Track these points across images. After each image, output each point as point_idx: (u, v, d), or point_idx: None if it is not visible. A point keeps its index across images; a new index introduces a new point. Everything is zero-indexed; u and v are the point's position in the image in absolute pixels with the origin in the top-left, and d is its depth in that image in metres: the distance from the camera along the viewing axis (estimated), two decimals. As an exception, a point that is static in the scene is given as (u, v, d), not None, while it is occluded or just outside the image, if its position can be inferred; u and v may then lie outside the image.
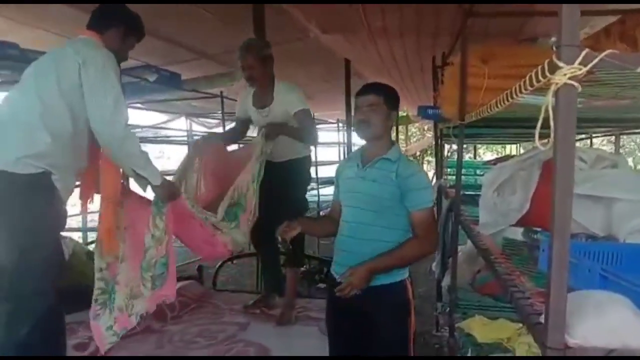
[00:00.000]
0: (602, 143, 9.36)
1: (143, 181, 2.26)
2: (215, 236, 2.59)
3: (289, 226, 2.03)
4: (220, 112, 7.11)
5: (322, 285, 5.25)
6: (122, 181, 2.42)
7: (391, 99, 1.99)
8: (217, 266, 4.44)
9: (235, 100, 5.68)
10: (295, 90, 3.07)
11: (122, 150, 2.15)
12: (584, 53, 0.75)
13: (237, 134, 3.40)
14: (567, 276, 0.83)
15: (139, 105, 7.16)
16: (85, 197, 2.43)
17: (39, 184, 2.01)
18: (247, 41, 3.03)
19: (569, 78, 0.76)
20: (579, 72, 0.75)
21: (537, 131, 0.87)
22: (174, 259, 2.42)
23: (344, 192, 2.06)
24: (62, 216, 2.21)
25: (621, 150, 5.51)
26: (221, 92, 6.43)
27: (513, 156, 3.37)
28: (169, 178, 2.54)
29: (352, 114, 2.09)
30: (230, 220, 2.65)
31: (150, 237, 2.29)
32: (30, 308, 2.00)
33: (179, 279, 3.73)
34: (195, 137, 9.61)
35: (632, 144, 15.41)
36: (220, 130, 8.20)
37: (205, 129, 10.29)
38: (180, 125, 9.73)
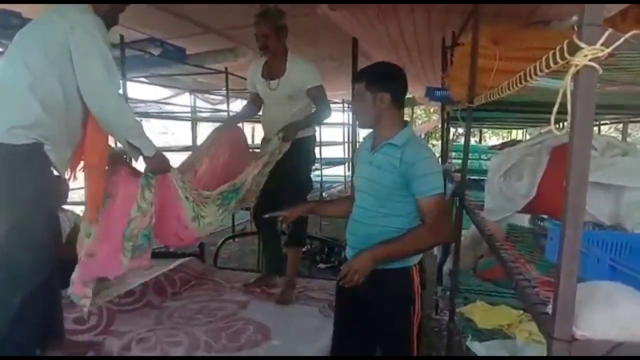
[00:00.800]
0: (609, 130, 9.27)
1: (136, 152, 2.20)
2: (188, 229, 2.51)
3: (289, 215, 2.12)
4: (224, 88, 7.05)
5: (322, 266, 5.26)
6: (116, 151, 2.38)
7: (376, 80, 1.85)
8: (218, 244, 4.44)
9: (240, 77, 5.61)
10: (310, 64, 3.03)
11: (115, 119, 2.08)
12: (607, 33, 0.71)
13: (252, 109, 3.34)
14: (577, 266, 0.81)
15: (142, 79, 7.10)
16: (73, 167, 2.33)
17: (31, 155, 1.96)
18: (263, 9, 2.97)
19: (590, 60, 0.72)
20: (601, 54, 0.71)
21: (553, 116, 0.83)
22: (177, 223, 2.42)
23: (355, 176, 2.03)
24: (59, 189, 2.17)
25: (628, 139, 5.45)
26: (226, 68, 6.36)
27: (520, 141, 3.32)
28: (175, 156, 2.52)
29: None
30: (221, 205, 2.61)
31: (137, 208, 2.26)
32: (22, 280, 1.98)
33: (180, 256, 3.76)
34: (201, 114, 9.60)
35: (639, 132, 15.25)
36: (224, 106, 8.14)
37: (209, 105, 10.24)
38: (184, 101, 9.67)
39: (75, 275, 2.26)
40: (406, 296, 1.90)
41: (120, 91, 2.12)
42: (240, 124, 3.70)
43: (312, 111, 3.10)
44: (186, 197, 2.44)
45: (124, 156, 2.49)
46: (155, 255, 2.96)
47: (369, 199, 1.89)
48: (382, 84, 1.84)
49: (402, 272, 1.88)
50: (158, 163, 2.27)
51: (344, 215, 2.09)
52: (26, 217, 1.98)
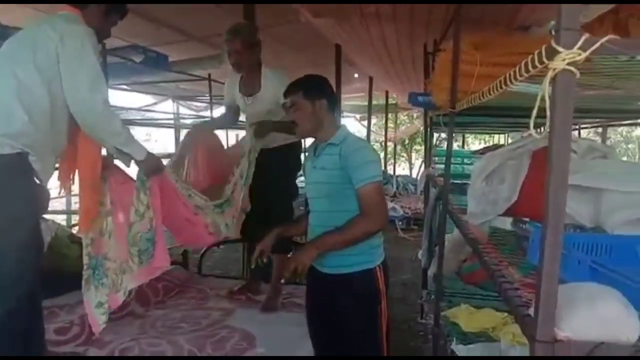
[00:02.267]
0: (588, 134, 9.43)
1: (126, 157, 2.22)
2: (198, 215, 2.58)
3: (263, 248, 2.12)
4: (208, 95, 7.03)
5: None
6: (103, 156, 2.38)
7: (312, 88, 1.97)
8: (202, 251, 4.41)
9: (224, 84, 5.61)
10: (284, 78, 2.96)
11: (102, 128, 2.09)
12: (584, 38, 0.72)
13: (228, 120, 3.36)
14: (558, 269, 0.82)
15: (124, 86, 7.05)
16: (64, 179, 2.37)
17: (15, 165, 1.95)
18: (235, 25, 2.94)
19: (568, 64, 0.73)
20: (579, 58, 0.72)
21: (532, 120, 0.84)
22: (162, 233, 2.38)
23: (306, 185, 2.09)
24: (42, 198, 2.15)
25: (607, 142, 5.55)
26: (209, 75, 6.36)
27: (502, 145, 3.36)
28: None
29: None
30: (216, 208, 2.67)
31: (134, 212, 2.27)
32: (6, 290, 1.95)
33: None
34: (184, 121, 9.54)
35: (618, 136, 15.54)
36: (207, 113, 8.11)
37: (192, 112, 10.20)
38: (167, 107, 9.62)
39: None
40: (372, 296, 1.94)
41: (108, 99, 2.12)
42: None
43: None
44: (186, 192, 2.50)
45: (113, 162, 2.47)
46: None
47: (321, 202, 1.97)
48: (319, 92, 1.97)
49: (366, 273, 1.93)
50: (151, 166, 2.28)
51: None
52: (10, 227, 1.95)
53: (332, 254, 1.91)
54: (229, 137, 7.04)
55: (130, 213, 2.27)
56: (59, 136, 2.13)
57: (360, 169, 1.84)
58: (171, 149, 9.25)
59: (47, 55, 1.98)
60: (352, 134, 2.01)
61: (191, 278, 3.67)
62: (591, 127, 4.71)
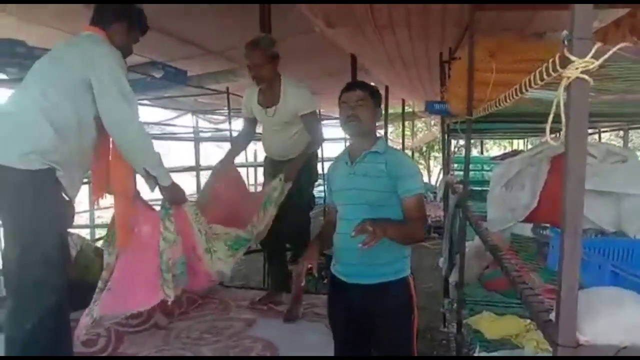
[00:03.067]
0: (609, 138, 9.29)
1: (152, 181, 2.28)
2: (201, 261, 2.53)
3: (311, 263, 1.93)
4: (226, 108, 7.11)
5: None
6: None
7: (376, 95, 2.01)
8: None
9: (242, 97, 5.67)
10: (303, 90, 3.05)
11: (135, 148, 2.18)
12: (596, 46, 0.74)
13: (247, 138, 3.41)
14: (578, 273, 0.82)
15: (145, 101, 7.18)
16: (96, 194, 2.44)
17: (43, 181, 2.01)
18: (254, 39, 2.98)
19: (581, 72, 0.74)
20: (592, 66, 0.74)
21: (547, 126, 0.85)
22: (193, 254, 2.45)
23: (337, 192, 2.06)
24: (68, 213, 2.21)
25: (629, 145, 5.47)
26: (227, 88, 6.42)
27: (521, 151, 3.34)
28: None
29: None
30: (231, 247, 2.66)
31: (162, 240, 2.30)
32: (34, 304, 2.01)
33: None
34: (203, 134, 9.64)
35: (640, 138, 15.23)
36: (226, 126, 8.20)
37: (211, 126, 10.31)
38: (186, 122, 9.77)
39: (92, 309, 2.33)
40: (407, 305, 1.95)
41: (140, 119, 2.21)
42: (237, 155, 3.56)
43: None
44: (199, 230, 2.48)
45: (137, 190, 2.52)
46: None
47: (361, 209, 1.89)
48: (379, 101, 2.02)
49: (402, 281, 1.95)
50: (174, 193, 2.35)
51: None
52: (39, 242, 2.01)
53: (367, 264, 1.89)
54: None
55: (159, 242, 2.31)
56: (86, 153, 2.21)
57: (409, 179, 1.89)
58: (191, 162, 9.38)
59: (76, 77, 2.07)
60: (389, 145, 2.06)
61: (213, 289, 3.69)
62: (611, 131, 4.66)
